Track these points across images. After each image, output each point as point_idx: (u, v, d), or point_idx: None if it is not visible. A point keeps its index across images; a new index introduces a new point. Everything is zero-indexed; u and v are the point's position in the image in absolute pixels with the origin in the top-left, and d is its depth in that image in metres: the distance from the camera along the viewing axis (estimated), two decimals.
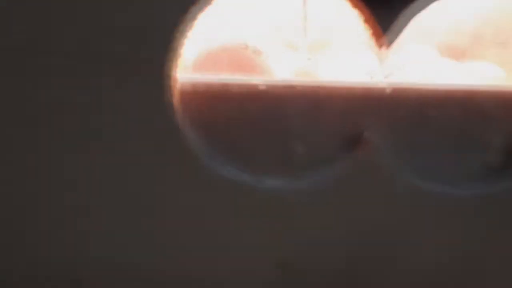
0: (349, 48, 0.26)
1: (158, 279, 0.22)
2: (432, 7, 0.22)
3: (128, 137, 0.21)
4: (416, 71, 0.27)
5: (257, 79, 0.23)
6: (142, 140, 0.21)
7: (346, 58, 0.26)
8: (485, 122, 0.23)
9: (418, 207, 0.23)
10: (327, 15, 0.27)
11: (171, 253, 0.23)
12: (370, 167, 0.23)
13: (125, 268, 0.22)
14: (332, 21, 0.27)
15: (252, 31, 0.27)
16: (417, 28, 0.23)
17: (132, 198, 0.22)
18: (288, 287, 0.23)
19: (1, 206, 0.21)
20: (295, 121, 0.23)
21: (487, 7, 0.27)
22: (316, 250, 0.23)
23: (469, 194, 0.23)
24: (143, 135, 0.21)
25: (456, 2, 0.27)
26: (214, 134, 0.23)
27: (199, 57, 0.25)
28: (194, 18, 0.20)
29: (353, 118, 0.23)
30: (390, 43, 0.21)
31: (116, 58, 0.20)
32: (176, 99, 0.21)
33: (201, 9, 0.20)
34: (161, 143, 0.21)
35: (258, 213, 0.23)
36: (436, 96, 0.23)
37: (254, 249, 0.23)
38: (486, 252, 0.24)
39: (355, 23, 0.22)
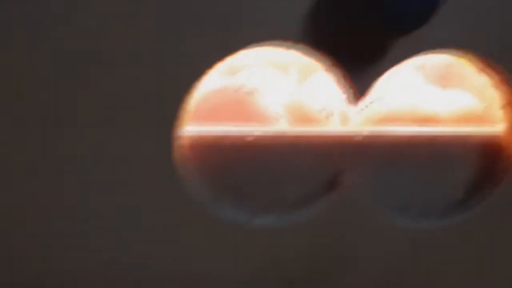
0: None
1: None
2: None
3: (133, 187, 0.24)
4: (402, 98, 0.30)
5: (249, 129, 0.26)
6: (147, 190, 0.24)
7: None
8: (447, 162, 0.26)
9: (391, 239, 0.26)
10: None
11: None
12: (348, 205, 0.26)
13: None
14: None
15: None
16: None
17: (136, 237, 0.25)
18: None
19: None
20: (282, 165, 0.26)
21: None
22: None
23: (438, 225, 0.26)
24: (148, 185, 0.24)
25: None
26: (212, 180, 0.26)
27: (198, 102, 0.28)
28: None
29: (332, 162, 0.26)
30: (361, 99, 0.24)
31: (128, 121, 0.23)
32: (177, 152, 0.25)
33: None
34: (165, 192, 0.24)
35: (251, 248, 0.26)
36: (403, 141, 0.26)
37: (245, 272, 0.26)
38: (457, 276, 0.27)
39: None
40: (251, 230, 0.25)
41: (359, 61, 0.23)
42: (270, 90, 0.30)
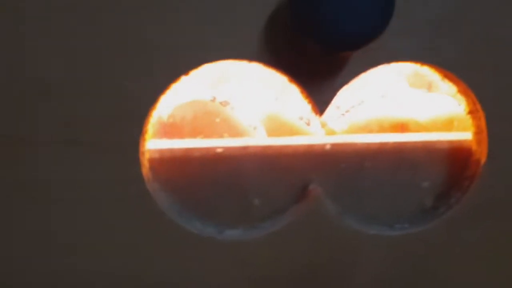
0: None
1: None
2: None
3: (104, 203, 0.25)
4: (383, 102, 0.30)
5: (216, 142, 0.27)
6: (118, 205, 0.25)
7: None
8: (414, 170, 0.27)
9: (359, 247, 0.26)
10: None
11: None
12: (316, 215, 0.26)
13: None
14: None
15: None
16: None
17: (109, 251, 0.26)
18: None
19: None
20: (250, 178, 0.26)
21: None
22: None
23: (403, 233, 0.26)
24: (118, 200, 0.25)
25: None
26: (180, 194, 0.26)
27: (165, 116, 0.29)
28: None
29: (299, 172, 0.26)
30: (322, 111, 0.24)
31: (92, 140, 0.24)
32: (145, 166, 0.25)
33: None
34: (134, 206, 0.25)
35: (220, 260, 0.26)
36: (371, 149, 0.26)
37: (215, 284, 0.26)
38: (427, 283, 0.27)
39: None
40: (219, 243, 0.26)
41: (314, 76, 0.23)
42: (246, 101, 0.30)
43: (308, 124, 0.29)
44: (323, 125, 0.29)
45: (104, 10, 0.22)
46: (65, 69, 0.22)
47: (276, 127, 0.30)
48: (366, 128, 0.29)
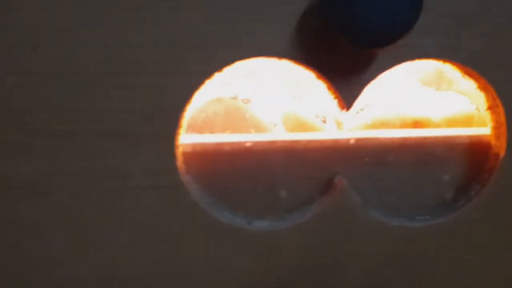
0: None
1: None
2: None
3: (140, 193, 0.26)
4: (394, 102, 0.32)
5: (245, 137, 0.28)
6: (152, 195, 0.26)
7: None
8: (435, 164, 0.28)
9: (384, 240, 0.27)
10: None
11: None
12: (341, 207, 0.27)
13: None
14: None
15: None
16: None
17: (141, 241, 0.27)
18: None
19: None
20: (278, 171, 0.28)
21: None
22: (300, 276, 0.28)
23: (424, 225, 0.27)
24: (153, 191, 0.26)
25: None
26: (211, 186, 0.27)
27: (196, 111, 0.30)
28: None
29: (325, 166, 0.27)
30: (349, 107, 0.26)
31: (131, 132, 0.25)
32: (179, 159, 0.26)
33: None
34: (170, 197, 0.26)
35: (250, 250, 0.27)
36: (393, 144, 0.27)
37: (245, 276, 0.27)
38: (443, 277, 0.28)
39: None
40: (249, 233, 0.27)
41: (342, 72, 0.24)
42: (265, 99, 0.32)
43: (324, 121, 0.31)
44: (339, 124, 0.30)
45: (143, 10, 0.23)
46: (107, 65, 0.24)
47: (293, 124, 0.31)
48: (383, 126, 0.31)
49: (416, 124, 0.30)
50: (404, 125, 0.30)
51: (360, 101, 0.30)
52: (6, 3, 0.22)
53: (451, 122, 0.31)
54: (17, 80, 0.23)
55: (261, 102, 0.31)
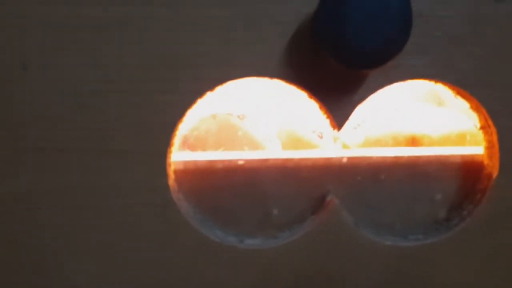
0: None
1: None
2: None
3: (131, 211, 0.26)
4: (390, 119, 0.32)
5: (238, 155, 0.28)
6: (143, 213, 0.26)
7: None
8: (428, 183, 0.28)
9: (376, 258, 0.27)
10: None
11: None
12: (333, 225, 0.27)
13: None
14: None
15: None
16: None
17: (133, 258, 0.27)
18: None
19: None
20: (270, 189, 0.27)
21: None
22: None
23: (417, 244, 0.27)
24: (144, 208, 0.26)
25: None
26: (203, 204, 0.27)
27: (189, 129, 0.30)
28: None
29: (317, 184, 0.27)
30: (340, 126, 0.26)
31: (122, 150, 0.25)
32: (170, 177, 0.26)
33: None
34: (160, 215, 0.26)
35: (241, 268, 0.27)
36: (386, 162, 0.27)
37: None
38: None
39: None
40: (240, 251, 0.27)
41: (333, 92, 0.24)
42: (261, 114, 0.32)
43: (320, 137, 0.31)
44: (335, 139, 0.30)
45: (135, 29, 0.23)
46: (98, 83, 0.24)
47: (290, 140, 0.31)
48: (379, 143, 0.31)
49: (410, 141, 0.31)
50: (397, 143, 0.30)
51: (354, 119, 0.30)
52: None
53: (446, 140, 0.31)
54: (7, 98, 0.24)
55: (257, 117, 0.31)
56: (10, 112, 0.24)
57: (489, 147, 0.27)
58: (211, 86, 0.24)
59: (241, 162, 0.27)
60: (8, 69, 0.23)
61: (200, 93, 0.24)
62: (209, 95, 0.25)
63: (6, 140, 0.24)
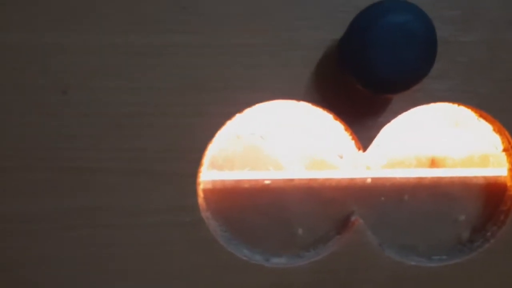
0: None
1: None
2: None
3: (161, 229, 0.27)
4: (412, 141, 0.32)
5: (263, 175, 0.29)
6: (173, 231, 0.27)
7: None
8: (451, 204, 0.28)
9: (400, 279, 0.28)
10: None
11: None
12: (357, 245, 0.28)
13: None
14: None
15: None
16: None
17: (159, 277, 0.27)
18: None
19: None
20: (295, 208, 0.28)
21: None
22: None
23: (441, 265, 0.27)
24: (175, 227, 0.27)
25: None
26: (230, 222, 0.28)
27: (217, 149, 0.31)
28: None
29: (341, 204, 0.28)
30: (365, 148, 0.26)
31: (154, 170, 0.26)
32: (200, 196, 0.27)
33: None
34: (190, 233, 0.27)
35: (267, 286, 0.28)
36: (409, 183, 0.28)
37: None
38: None
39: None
40: (266, 270, 0.27)
41: (358, 115, 0.25)
42: (284, 135, 0.32)
43: (341, 157, 0.31)
44: (360, 160, 0.30)
45: (167, 55, 0.25)
46: (135, 106, 0.25)
47: (312, 160, 0.32)
48: (402, 164, 0.31)
49: (433, 163, 0.31)
50: (420, 164, 0.31)
51: (378, 140, 0.30)
52: (39, 49, 0.24)
53: (469, 162, 0.31)
54: (46, 121, 0.25)
55: (279, 138, 0.32)
56: (49, 134, 0.25)
57: None
58: (240, 109, 0.25)
59: (267, 182, 0.28)
60: (49, 93, 0.24)
61: (229, 116, 0.25)
62: (237, 117, 0.26)
63: (43, 161, 0.25)
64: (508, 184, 0.28)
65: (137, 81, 0.25)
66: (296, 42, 0.24)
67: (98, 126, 0.25)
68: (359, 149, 0.26)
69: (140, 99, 0.25)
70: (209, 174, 0.28)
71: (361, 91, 0.24)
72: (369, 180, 0.28)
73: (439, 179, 0.28)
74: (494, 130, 0.27)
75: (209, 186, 0.28)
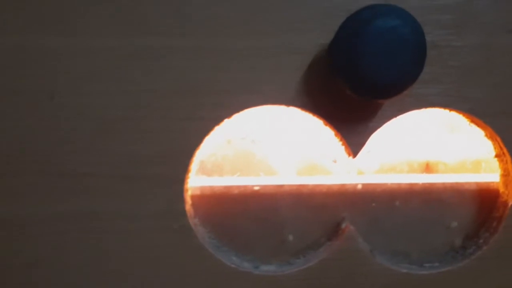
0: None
1: None
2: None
3: (148, 235, 0.26)
4: (407, 144, 0.32)
5: (253, 180, 0.28)
6: (161, 238, 0.26)
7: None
8: (443, 210, 0.28)
9: (391, 286, 0.27)
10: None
11: None
12: (348, 252, 0.27)
13: None
14: None
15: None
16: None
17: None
18: None
19: None
20: (285, 215, 0.28)
21: None
22: None
23: (433, 272, 0.27)
24: (162, 233, 0.26)
25: None
26: (219, 229, 0.28)
27: (206, 155, 0.30)
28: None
29: (332, 210, 0.28)
30: (355, 153, 0.26)
31: (141, 175, 0.25)
32: (187, 202, 0.26)
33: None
34: (177, 240, 0.26)
35: None
36: (401, 189, 0.28)
37: None
38: None
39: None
40: (254, 277, 0.27)
41: (349, 120, 0.24)
42: (276, 139, 0.32)
43: (335, 162, 0.31)
44: (350, 166, 0.30)
45: (156, 59, 0.24)
46: (122, 109, 0.25)
47: (304, 165, 0.31)
48: (394, 170, 0.31)
49: (424, 168, 0.31)
50: (412, 169, 0.31)
51: (369, 146, 0.30)
52: (25, 54, 0.24)
53: (461, 167, 0.31)
54: (36, 125, 0.24)
55: (270, 143, 0.32)
56: (37, 138, 0.25)
57: (504, 175, 0.27)
58: (229, 114, 0.25)
59: (256, 188, 0.28)
60: (36, 98, 0.24)
61: (218, 121, 0.25)
62: (226, 121, 0.25)
63: (33, 166, 0.25)
64: (501, 190, 0.27)
65: (125, 85, 0.24)
66: (287, 46, 0.24)
67: (87, 130, 0.25)
68: (349, 155, 0.26)
69: (129, 103, 0.24)
70: (197, 180, 0.28)
71: (351, 96, 0.23)
72: (360, 186, 0.28)
73: (431, 185, 0.28)
74: (486, 135, 0.26)
75: (198, 192, 0.27)
